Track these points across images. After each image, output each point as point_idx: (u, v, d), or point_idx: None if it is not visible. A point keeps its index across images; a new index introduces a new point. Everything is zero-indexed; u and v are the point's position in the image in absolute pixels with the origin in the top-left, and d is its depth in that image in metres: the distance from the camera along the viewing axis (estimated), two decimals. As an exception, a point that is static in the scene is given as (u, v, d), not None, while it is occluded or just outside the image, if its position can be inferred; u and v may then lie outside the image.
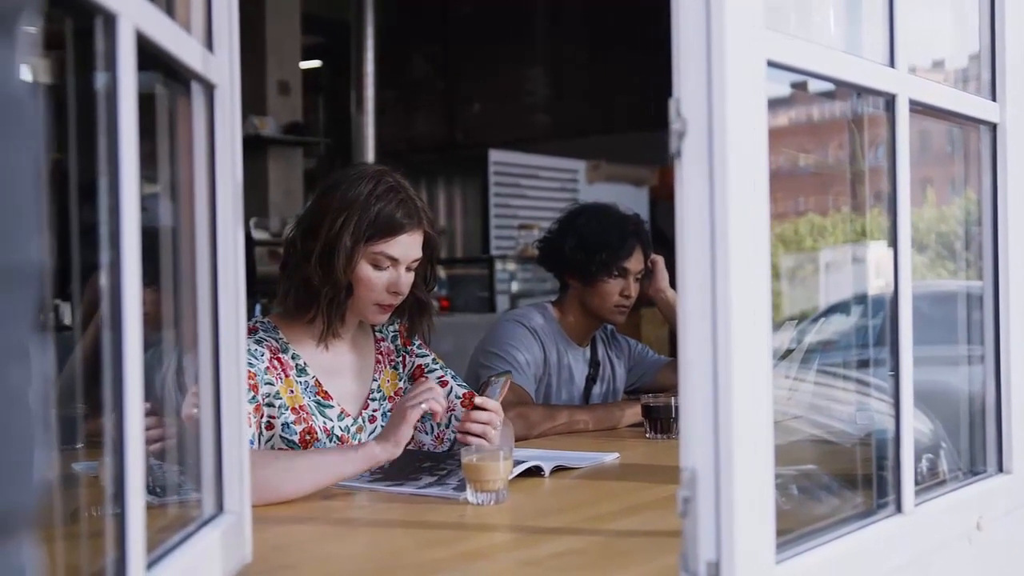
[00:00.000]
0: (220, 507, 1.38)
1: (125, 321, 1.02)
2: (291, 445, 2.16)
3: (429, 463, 2.14)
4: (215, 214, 1.38)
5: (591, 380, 3.15)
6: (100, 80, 1.02)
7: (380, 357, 2.39)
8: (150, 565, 1.10)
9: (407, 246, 2.21)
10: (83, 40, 1.03)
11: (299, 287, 2.21)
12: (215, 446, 1.38)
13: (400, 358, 2.42)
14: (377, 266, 2.19)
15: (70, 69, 1.06)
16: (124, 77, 1.01)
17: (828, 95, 1.74)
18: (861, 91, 1.58)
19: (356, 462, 1.98)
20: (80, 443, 1.53)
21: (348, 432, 2.26)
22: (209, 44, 1.36)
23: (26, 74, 0.59)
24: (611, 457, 2.37)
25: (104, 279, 1.02)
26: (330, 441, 2.22)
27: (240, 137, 1.42)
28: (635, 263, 3.04)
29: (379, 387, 2.36)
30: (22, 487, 0.57)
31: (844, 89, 1.61)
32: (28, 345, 0.57)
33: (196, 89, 1.34)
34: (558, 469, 2.20)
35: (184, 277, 1.39)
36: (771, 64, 1.26)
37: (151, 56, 1.13)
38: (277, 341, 2.22)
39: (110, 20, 1.00)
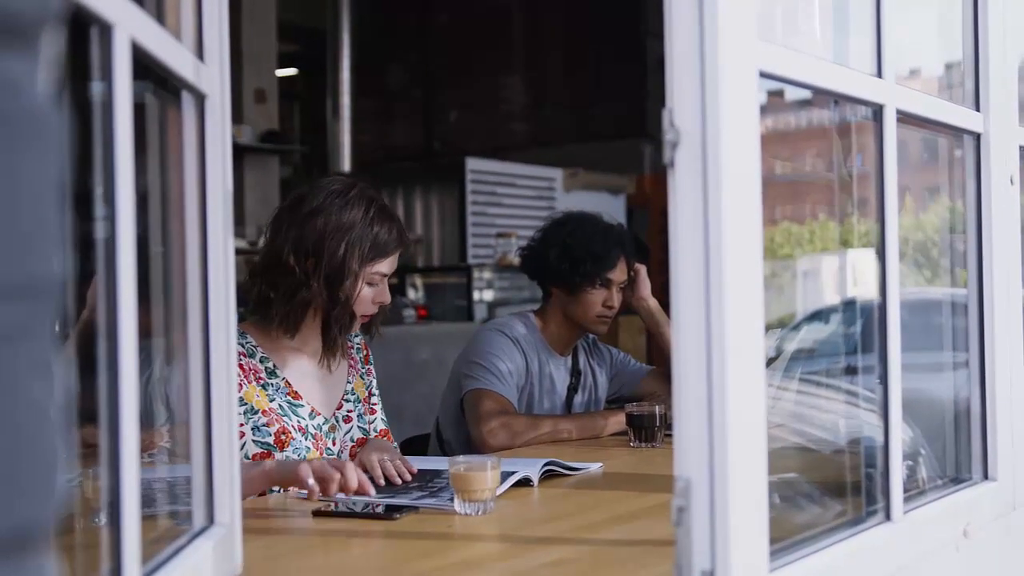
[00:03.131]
0: (211, 519, 1.37)
1: (120, 331, 1.01)
2: (266, 448, 2.20)
3: (418, 482, 2.13)
4: (205, 223, 1.37)
5: (573, 389, 3.15)
6: (95, 89, 1.02)
7: (352, 362, 2.47)
8: (144, 578, 1.09)
9: (395, 261, 2.35)
10: (76, 49, 1.02)
11: (300, 307, 2.26)
12: (206, 458, 1.37)
13: (365, 369, 2.52)
14: (370, 284, 2.31)
15: (63, 78, 1.05)
16: (120, 86, 1.01)
17: (804, 103, 1.75)
18: (850, 101, 1.59)
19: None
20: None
21: (321, 431, 2.32)
22: (200, 54, 1.35)
23: (48, 87, 0.59)
24: (596, 467, 2.37)
25: (100, 289, 1.01)
26: (305, 439, 2.27)
27: (230, 147, 1.41)
28: (619, 274, 3.04)
29: (352, 389, 2.44)
30: (46, 501, 0.56)
31: (821, 97, 1.62)
32: (50, 359, 0.57)
33: (187, 99, 1.34)
34: (548, 474, 2.20)
35: (173, 287, 1.38)
36: (763, 74, 1.26)
37: (143, 65, 1.12)
38: (243, 346, 2.25)
39: (106, 30, 0.99)
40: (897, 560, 1.55)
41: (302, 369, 2.34)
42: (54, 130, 0.58)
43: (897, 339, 1.55)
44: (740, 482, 1.18)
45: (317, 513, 1.89)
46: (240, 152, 7.42)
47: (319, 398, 2.35)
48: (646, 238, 7.61)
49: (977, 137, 1.86)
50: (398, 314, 6.41)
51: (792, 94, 1.58)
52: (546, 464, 2.20)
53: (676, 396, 1.19)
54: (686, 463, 1.18)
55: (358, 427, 2.42)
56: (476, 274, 7.59)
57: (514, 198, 8.36)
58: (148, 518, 1.39)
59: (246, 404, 2.20)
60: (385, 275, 2.32)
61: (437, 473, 2.20)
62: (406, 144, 10.43)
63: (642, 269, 3.15)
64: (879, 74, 1.54)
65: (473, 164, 8.22)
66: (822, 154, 1.95)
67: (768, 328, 2.22)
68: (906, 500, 1.58)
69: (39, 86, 0.57)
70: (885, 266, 1.55)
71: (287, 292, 2.25)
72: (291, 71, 10.22)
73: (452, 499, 1.90)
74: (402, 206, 8.62)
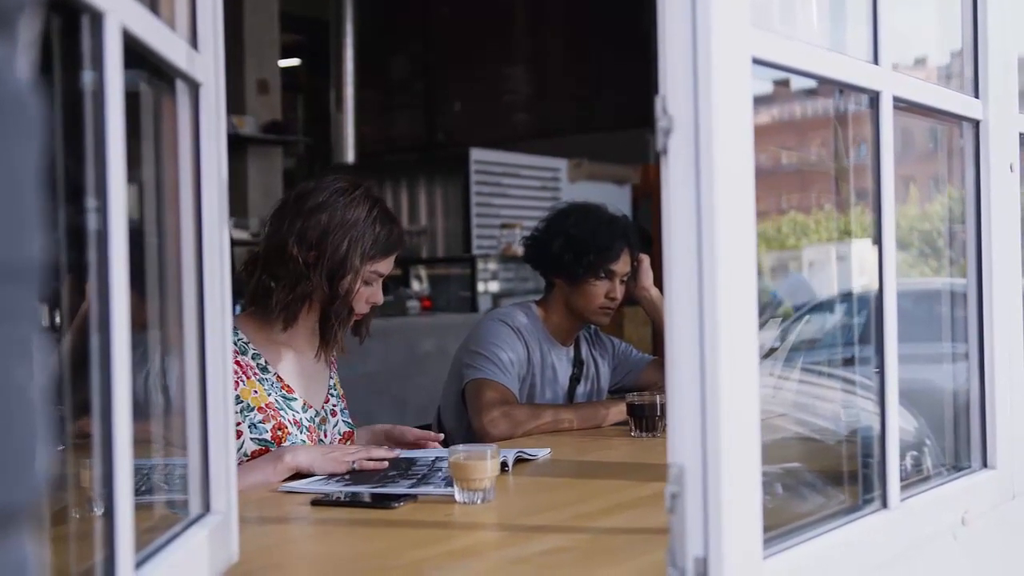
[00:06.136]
0: (207, 507, 1.38)
1: (113, 321, 1.01)
2: (264, 444, 2.22)
3: (395, 471, 2.13)
4: (200, 214, 1.37)
5: (575, 379, 3.15)
6: (86, 78, 1.02)
7: (333, 360, 2.51)
8: (138, 564, 1.09)
9: (392, 263, 2.39)
10: (68, 38, 1.02)
11: (299, 299, 2.29)
12: (201, 446, 1.38)
13: (337, 368, 2.56)
14: (367, 282, 2.34)
15: (55, 67, 1.05)
16: (111, 75, 1.01)
17: (810, 92, 1.75)
18: (845, 88, 1.58)
19: (279, 474, 2.11)
20: (63, 445, 1.52)
21: (313, 423, 2.36)
22: (194, 42, 1.35)
23: (26, 72, 0.59)
24: (543, 452, 2.39)
25: (91, 281, 1.01)
26: (300, 432, 2.30)
27: (225, 136, 1.41)
28: (622, 265, 3.04)
29: (334, 385, 2.49)
30: (26, 483, 0.57)
31: (827, 86, 1.62)
32: (31, 341, 0.58)
33: (181, 88, 1.34)
34: (519, 461, 2.25)
35: (168, 278, 1.38)
36: (756, 61, 1.26)
37: (136, 54, 1.12)
38: (235, 343, 2.26)
39: (97, 18, 0.99)
40: (893, 548, 1.55)
41: (291, 364, 2.38)
42: (33, 115, 0.58)
43: (893, 326, 1.55)
44: (733, 469, 1.18)
45: (315, 502, 1.90)
46: (243, 143, 7.42)
47: (308, 392, 2.39)
48: (651, 229, 7.60)
49: (976, 124, 1.85)
50: (402, 305, 6.41)
51: (798, 83, 1.58)
52: (516, 457, 2.23)
53: (669, 382, 1.19)
54: (679, 449, 1.19)
55: (343, 421, 2.47)
56: (480, 265, 7.58)
57: (518, 189, 8.35)
58: (146, 506, 1.40)
59: (242, 402, 2.23)
60: (382, 275, 2.36)
61: (412, 461, 2.22)
62: (410, 135, 10.43)
63: (645, 259, 3.15)
64: (875, 61, 1.53)
65: (477, 155, 8.22)
66: (827, 144, 1.95)
67: (773, 318, 2.22)
68: (904, 488, 1.58)
69: (17, 71, 0.57)
70: (881, 254, 1.55)
71: (288, 283, 2.27)
72: (294, 62, 10.23)
73: (448, 485, 1.90)
74: (406, 197, 8.62)
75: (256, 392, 2.27)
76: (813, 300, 2.17)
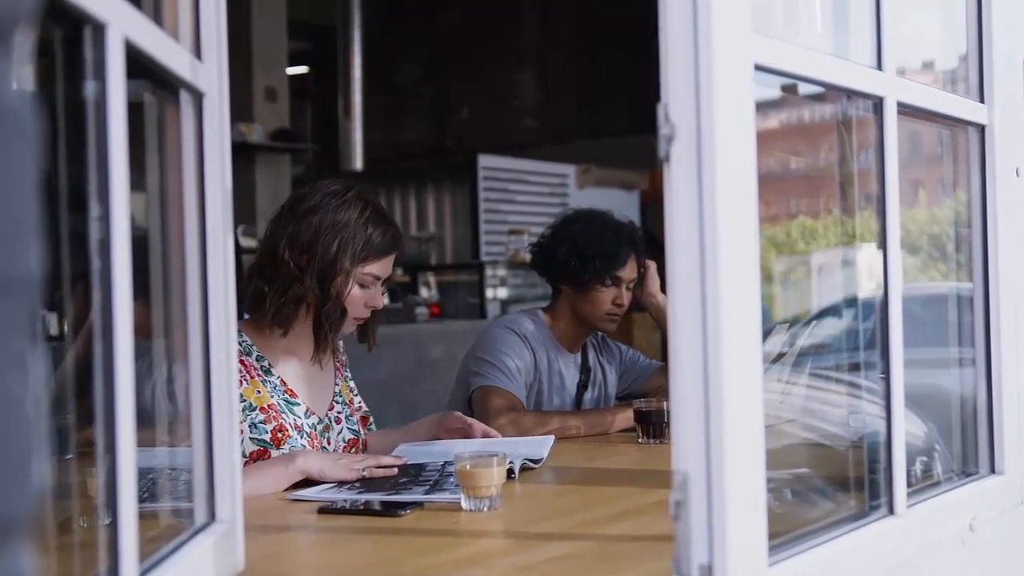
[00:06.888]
0: (212, 516, 1.38)
1: (116, 330, 1.01)
2: (263, 445, 2.23)
3: (406, 478, 2.13)
4: (204, 223, 1.37)
5: (582, 386, 3.15)
6: (88, 88, 1.02)
7: (338, 366, 2.51)
8: (143, 574, 1.09)
9: (390, 265, 2.38)
10: (71, 48, 1.03)
11: (292, 303, 2.29)
12: (207, 455, 1.38)
13: (348, 372, 2.56)
14: (362, 285, 2.33)
15: (58, 77, 1.06)
16: (113, 86, 1.01)
17: (818, 98, 1.75)
18: (849, 94, 1.58)
19: (290, 477, 2.10)
20: (70, 454, 1.53)
21: (315, 430, 2.36)
22: (198, 52, 1.36)
23: (22, 84, 0.59)
24: (548, 440, 2.42)
25: (95, 289, 1.02)
26: (301, 437, 2.30)
27: (229, 145, 1.41)
28: (628, 272, 3.03)
29: (339, 392, 2.48)
30: (21, 494, 0.57)
31: (834, 92, 1.62)
32: (27, 354, 0.58)
33: (185, 97, 1.34)
34: (525, 469, 2.24)
35: (173, 287, 1.38)
36: (758, 68, 1.26)
37: (139, 64, 1.13)
38: (240, 345, 2.27)
39: (99, 29, 1.00)
40: (901, 554, 1.55)
41: (295, 370, 2.37)
42: (28, 128, 0.58)
43: (899, 330, 1.55)
44: (738, 476, 1.18)
45: (321, 510, 1.90)
46: (251, 151, 7.42)
47: (312, 398, 2.38)
48: (659, 234, 7.60)
49: (982, 129, 1.85)
50: (410, 312, 6.41)
51: (805, 88, 1.58)
52: (522, 465, 2.22)
53: (673, 390, 1.19)
54: (684, 457, 1.18)
55: (347, 428, 2.46)
56: (489, 271, 7.58)
57: (527, 195, 8.36)
58: (151, 514, 1.40)
59: (245, 401, 2.23)
60: (378, 277, 2.34)
61: (422, 467, 2.21)
62: (418, 141, 10.42)
63: (652, 265, 3.15)
64: (879, 66, 1.53)
65: (485, 161, 8.23)
66: (836, 148, 1.95)
67: (781, 323, 2.21)
68: (911, 494, 1.57)
69: (12, 84, 0.58)
70: (887, 258, 1.54)
71: (281, 287, 2.28)
72: (302, 69, 10.23)
73: (456, 491, 1.90)
74: (414, 204, 8.63)
75: (259, 392, 2.27)
76: (768, 324, 2.16)
